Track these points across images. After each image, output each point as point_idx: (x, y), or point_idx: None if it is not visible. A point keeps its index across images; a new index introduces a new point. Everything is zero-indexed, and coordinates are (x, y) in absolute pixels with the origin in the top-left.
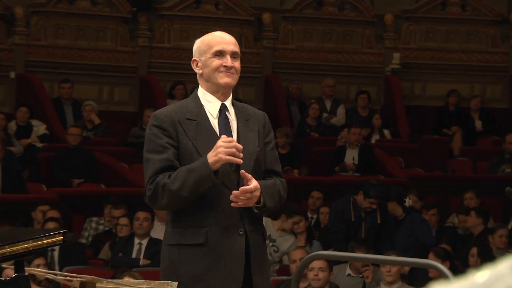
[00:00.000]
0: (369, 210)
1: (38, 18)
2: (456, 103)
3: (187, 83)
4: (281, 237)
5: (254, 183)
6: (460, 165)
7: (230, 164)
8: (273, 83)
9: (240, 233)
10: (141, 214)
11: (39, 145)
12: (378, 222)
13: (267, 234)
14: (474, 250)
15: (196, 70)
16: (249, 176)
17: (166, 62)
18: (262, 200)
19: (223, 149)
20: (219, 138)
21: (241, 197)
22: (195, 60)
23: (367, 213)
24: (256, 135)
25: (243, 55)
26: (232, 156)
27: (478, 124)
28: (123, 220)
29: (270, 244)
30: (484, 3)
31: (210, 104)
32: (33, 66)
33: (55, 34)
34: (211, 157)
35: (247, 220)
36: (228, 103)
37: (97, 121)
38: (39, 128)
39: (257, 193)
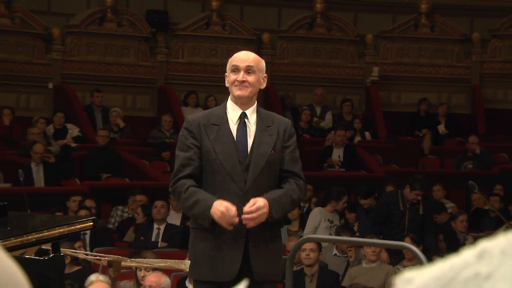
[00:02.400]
0: (415, 202)
1: (72, 37)
2: (426, 109)
3: (199, 92)
4: None
5: (257, 204)
6: (430, 162)
7: (240, 163)
8: (270, 93)
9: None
10: (158, 203)
11: (73, 145)
12: (420, 212)
13: None
14: (441, 236)
15: (226, 84)
16: (252, 203)
17: (181, 75)
18: (270, 213)
19: (226, 221)
20: (235, 141)
21: (249, 216)
22: (225, 75)
23: (411, 204)
24: (273, 140)
25: None
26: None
27: (441, 127)
28: (143, 213)
29: None
30: (450, 25)
31: (233, 112)
32: (68, 78)
33: (86, 51)
34: (216, 212)
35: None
36: (249, 111)
37: (122, 124)
38: (73, 130)
39: (265, 210)
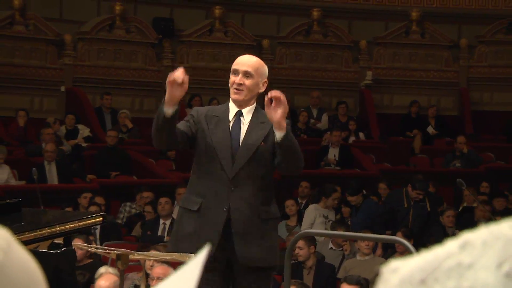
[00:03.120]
0: (417, 200)
1: (83, 43)
2: (416, 111)
3: (202, 95)
4: None
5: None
6: (420, 161)
7: (231, 153)
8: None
9: (224, 210)
10: (163, 199)
11: (84, 145)
12: (428, 209)
13: None
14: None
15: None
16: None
17: None
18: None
19: (170, 77)
20: (229, 133)
21: (279, 94)
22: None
23: (415, 202)
24: (265, 133)
25: None
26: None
27: (431, 128)
28: (148, 208)
29: None
30: (439, 32)
31: (231, 110)
32: (79, 82)
33: (96, 56)
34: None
35: (233, 201)
36: (245, 110)
37: (130, 125)
38: (84, 131)
39: (286, 110)
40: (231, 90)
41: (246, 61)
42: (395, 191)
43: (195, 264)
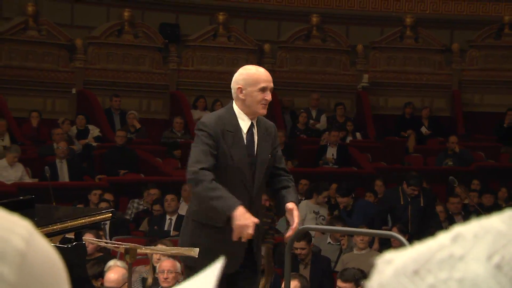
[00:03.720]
0: (413, 196)
1: (93, 47)
2: (411, 112)
3: (206, 97)
4: None
5: (295, 212)
6: (414, 159)
7: (250, 167)
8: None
9: None
10: (169, 196)
11: (94, 144)
12: (421, 205)
13: None
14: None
15: (240, 96)
16: (296, 219)
17: (190, 81)
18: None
19: (248, 232)
20: (246, 151)
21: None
22: (240, 88)
23: (412, 198)
24: (270, 144)
25: None
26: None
27: (424, 129)
28: (156, 207)
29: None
30: (432, 36)
31: (243, 122)
32: (90, 84)
33: (106, 60)
34: (239, 218)
35: (254, 214)
36: (254, 121)
37: (138, 126)
38: (94, 131)
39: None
40: (259, 106)
41: (270, 78)
42: (391, 189)
43: (211, 275)
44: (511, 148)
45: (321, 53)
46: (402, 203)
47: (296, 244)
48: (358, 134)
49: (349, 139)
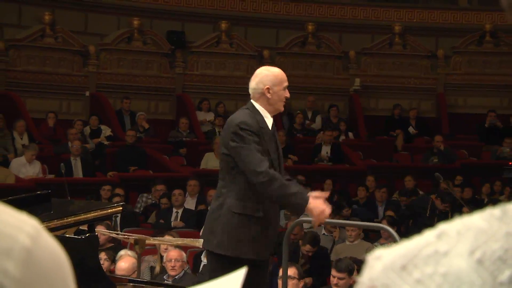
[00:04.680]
0: (443, 211)
1: (105, 53)
2: (399, 113)
3: (210, 99)
4: None
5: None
6: (402, 157)
7: (278, 161)
8: None
9: (277, 215)
10: (176, 191)
11: (106, 143)
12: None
13: None
14: (411, 222)
15: (268, 95)
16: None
17: (195, 85)
18: None
19: (323, 218)
20: (274, 143)
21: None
22: (268, 87)
23: (441, 212)
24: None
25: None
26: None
27: (412, 128)
28: (164, 200)
29: None
30: (419, 43)
31: (267, 119)
32: (102, 88)
33: (117, 65)
34: (316, 206)
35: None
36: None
37: (146, 126)
38: (106, 131)
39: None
40: (281, 103)
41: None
42: (422, 197)
43: (237, 279)
44: (492, 146)
45: (316, 59)
46: (427, 215)
47: (305, 248)
48: (350, 134)
49: (342, 138)
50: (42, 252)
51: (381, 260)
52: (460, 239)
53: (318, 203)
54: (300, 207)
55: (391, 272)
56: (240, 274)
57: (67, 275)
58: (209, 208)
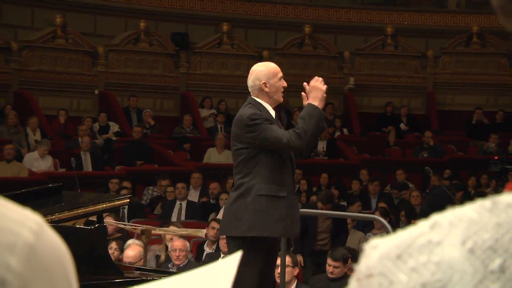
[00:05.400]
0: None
1: (113, 54)
2: (391, 110)
3: (212, 97)
4: None
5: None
6: (394, 152)
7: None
8: None
9: (296, 195)
10: (179, 185)
11: (114, 138)
12: None
13: None
14: (403, 212)
15: (265, 89)
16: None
17: (198, 83)
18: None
19: (323, 93)
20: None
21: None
22: (264, 82)
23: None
24: None
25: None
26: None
27: (403, 125)
28: (170, 189)
29: None
30: (409, 44)
31: (271, 111)
32: (110, 86)
33: (124, 64)
34: (320, 102)
35: (294, 185)
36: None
37: (152, 122)
38: (114, 127)
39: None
40: (280, 93)
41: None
42: (440, 192)
43: (232, 262)
44: (479, 142)
45: (312, 59)
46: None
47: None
48: (345, 130)
49: (337, 134)
50: (45, 248)
51: (377, 250)
52: (452, 229)
53: (317, 90)
54: (321, 116)
55: (387, 261)
56: (236, 257)
57: (68, 270)
58: (226, 201)
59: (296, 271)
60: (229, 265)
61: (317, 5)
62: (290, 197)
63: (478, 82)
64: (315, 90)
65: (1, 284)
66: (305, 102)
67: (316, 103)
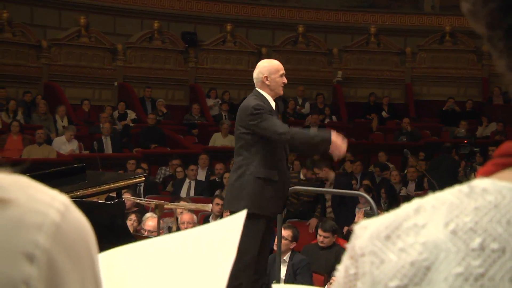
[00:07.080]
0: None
1: (131, 50)
2: (374, 100)
3: (218, 89)
4: None
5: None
6: (376, 136)
7: None
8: None
9: (287, 178)
10: (192, 166)
11: (131, 124)
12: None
13: None
14: (383, 190)
15: (266, 82)
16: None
17: (205, 76)
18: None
19: (343, 151)
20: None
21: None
22: (266, 76)
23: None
24: None
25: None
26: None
27: (384, 113)
28: (179, 169)
29: None
30: (390, 42)
31: (271, 102)
32: (128, 79)
33: (140, 60)
34: (337, 138)
35: (287, 172)
36: None
37: (164, 111)
38: (131, 115)
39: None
40: (280, 88)
41: (283, 67)
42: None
43: (238, 220)
44: (450, 128)
45: (305, 55)
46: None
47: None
48: (334, 117)
49: (326, 121)
50: (70, 227)
51: (367, 230)
52: (435, 212)
53: (338, 138)
54: (326, 141)
55: (377, 241)
56: (241, 215)
57: (92, 247)
58: (228, 180)
59: (293, 244)
60: (236, 221)
61: (309, 8)
62: (282, 181)
63: (450, 75)
64: (343, 145)
65: (30, 259)
66: (334, 135)
67: (334, 143)
